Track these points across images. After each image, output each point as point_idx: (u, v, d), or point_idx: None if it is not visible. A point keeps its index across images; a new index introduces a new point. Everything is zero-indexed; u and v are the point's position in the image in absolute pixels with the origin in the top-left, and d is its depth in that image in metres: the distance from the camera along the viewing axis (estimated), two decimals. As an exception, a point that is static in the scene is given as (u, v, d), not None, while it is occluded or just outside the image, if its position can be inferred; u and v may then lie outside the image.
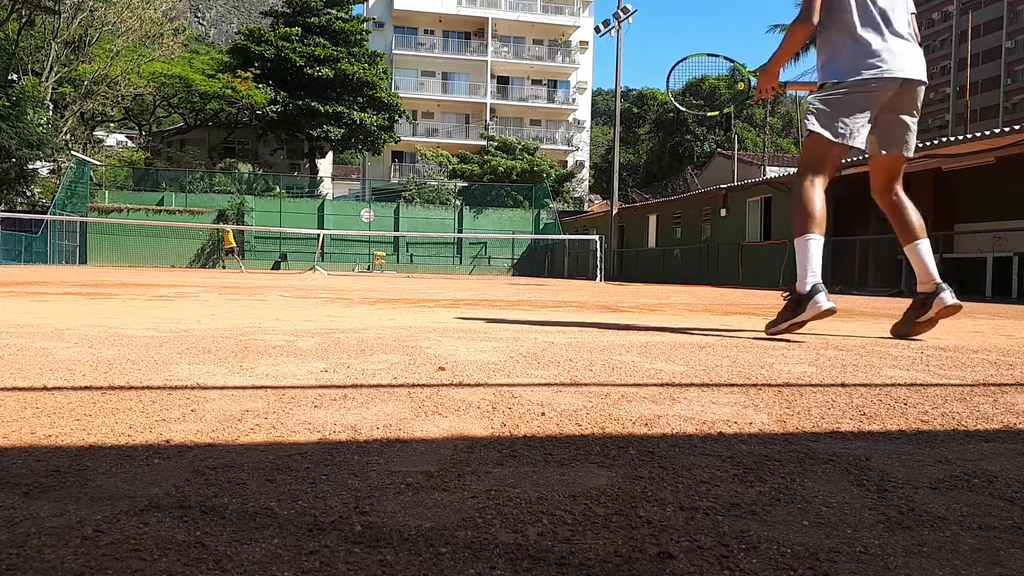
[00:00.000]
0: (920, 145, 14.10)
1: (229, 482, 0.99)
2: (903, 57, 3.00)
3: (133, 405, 1.48)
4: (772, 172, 24.68)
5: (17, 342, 2.44)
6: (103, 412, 1.41)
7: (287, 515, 0.86)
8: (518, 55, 49.41)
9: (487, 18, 48.18)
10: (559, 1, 49.68)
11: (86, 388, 1.65)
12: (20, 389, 1.62)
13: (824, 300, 2.97)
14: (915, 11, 3.21)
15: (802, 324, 3.08)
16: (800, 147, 3.34)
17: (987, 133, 11.98)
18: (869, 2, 3.04)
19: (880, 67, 2.97)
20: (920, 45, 3.19)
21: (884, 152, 3.15)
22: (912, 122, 3.12)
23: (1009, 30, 65.30)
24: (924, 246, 3.19)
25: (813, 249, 3.03)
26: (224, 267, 27.71)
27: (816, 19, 3.06)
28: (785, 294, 3.12)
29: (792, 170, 20.11)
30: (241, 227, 28.33)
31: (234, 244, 27.07)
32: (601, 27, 27.09)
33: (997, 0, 65.37)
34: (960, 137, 12.52)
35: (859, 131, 3.03)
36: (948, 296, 3.06)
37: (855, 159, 15.73)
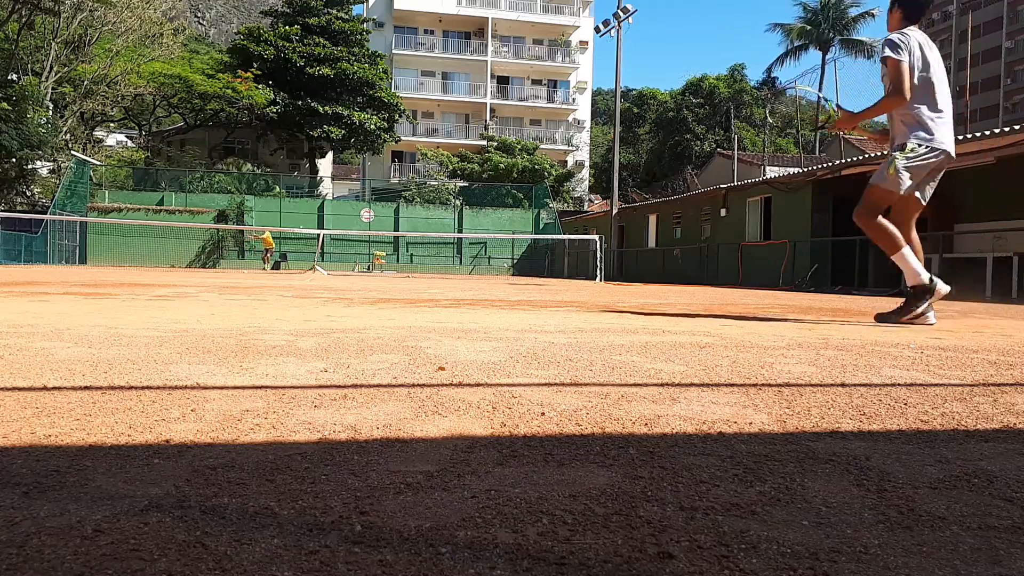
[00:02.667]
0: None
1: (229, 482, 0.99)
2: (951, 137, 3.95)
3: (133, 405, 1.48)
4: (772, 172, 24.70)
5: (17, 342, 2.44)
6: (103, 412, 1.41)
7: (287, 515, 0.86)
8: (518, 55, 49.41)
9: (487, 18, 48.16)
10: (559, 1, 49.67)
11: (86, 388, 1.65)
12: (20, 389, 1.62)
13: (943, 285, 3.84)
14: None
15: (929, 307, 3.92)
16: (869, 191, 4.09)
17: (987, 133, 11.97)
18: (936, 90, 3.91)
19: (943, 144, 3.92)
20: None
21: (920, 195, 4.07)
22: (935, 184, 4.11)
23: (1009, 30, 65.28)
24: (907, 252, 3.99)
25: (909, 256, 3.93)
26: (267, 268, 27.75)
27: (908, 96, 3.86)
28: (907, 289, 4.00)
29: (793, 170, 20.12)
30: (241, 227, 28.33)
31: (273, 245, 27.48)
32: (601, 27, 27.09)
33: (997, 0, 65.36)
34: (960, 137, 12.52)
35: (927, 190, 4.06)
36: (940, 284, 3.87)
37: (852, 159, 15.72)
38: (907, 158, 3.91)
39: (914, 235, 4.06)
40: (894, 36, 3.93)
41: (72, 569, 0.70)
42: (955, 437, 1.37)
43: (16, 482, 0.97)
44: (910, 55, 3.86)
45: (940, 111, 3.92)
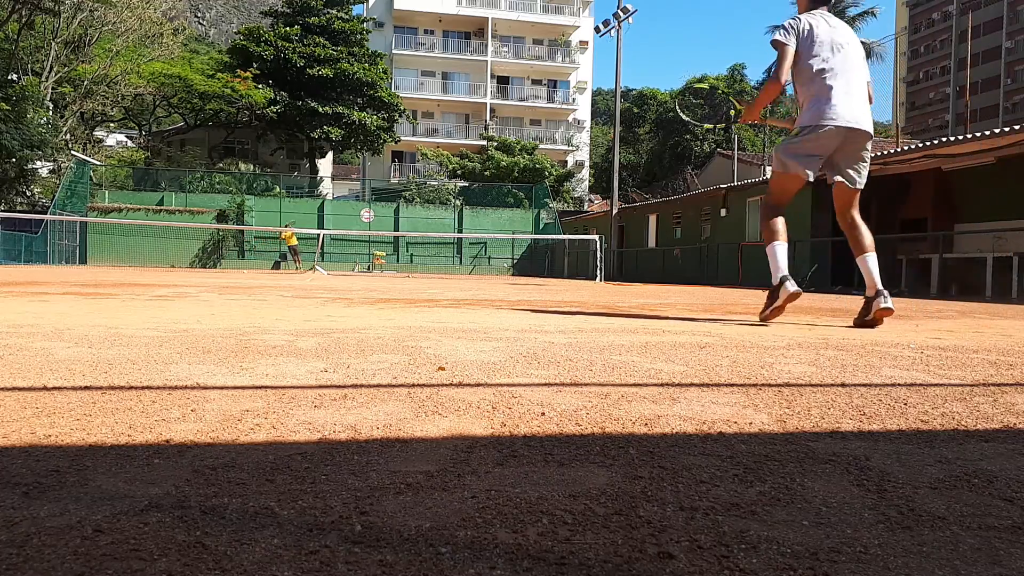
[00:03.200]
0: (920, 145, 14.10)
1: (229, 482, 0.99)
2: (849, 111, 3.76)
3: (133, 405, 1.48)
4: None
5: (17, 342, 2.44)
6: (103, 412, 1.41)
7: (287, 515, 0.87)
8: (518, 55, 49.40)
9: (487, 18, 48.17)
10: (559, 1, 49.67)
11: (86, 388, 1.65)
12: (20, 389, 1.62)
13: (791, 285, 3.84)
14: (871, 79, 3.98)
15: (781, 308, 3.93)
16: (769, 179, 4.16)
17: (987, 133, 11.97)
18: (829, 63, 3.81)
19: (831, 119, 3.74)
20: (871, 103, 3.96)
21: (837, 184, 3.93)
22: (861, 164, 3.89)
23: (1009, 30, 65.26)
24: (871, 259, 3.99)
25: (779, 252, 3.95)
26: (297, 267, 27.66)
27: (784, 79, 3.86)
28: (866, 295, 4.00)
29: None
30: (241, 227, 28.33)
31: (296, 243, 27.40)
32: (601, 27, 27.08)
33: (997, 0, 65.35)
34: (960, 137, 12.51)
35: (811, 168, 3.88)
36: (883, 300, 3.80)
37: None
38: (785, 142, 3.97)
39: (850, 219, 4.01)
40: (786, 21, 3.93)
41: (72, 569, 0.70)
42: (955, 437, 1.37)
43: (16, 482, 0.97)
44: (798, 39, 3.84)
45: (833, 89, 3.76)
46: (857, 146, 3.83)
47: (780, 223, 4.01)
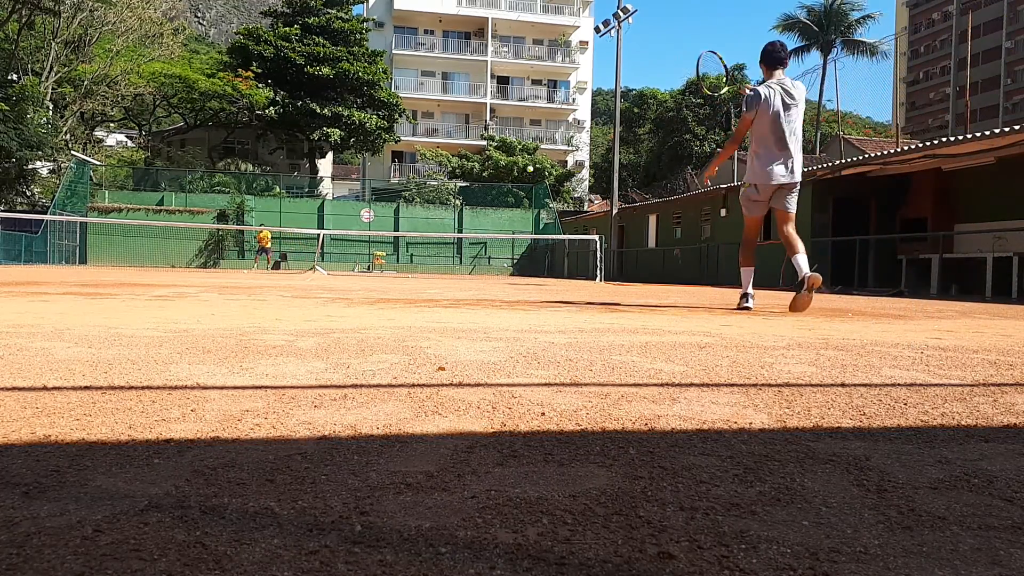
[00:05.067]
0: (920, 145, 14.10)
1: (229, 482, 0.99)
2: (785, 169, 5.15)
3: (133, 405, 1.48)
4: (772, 172, 24.66)
5: (17, 342, 2.44)
6: (103, 412, 1.41)
7: (287, 515, 0.87)
8: (518, 55, 49.40)
9: (487, 18, 48.16)
10: (559, 1, 49.67)
11: (86, 388, 1.65)
12: (20, 389, 1.62)
13: (750, 302, 5.39)
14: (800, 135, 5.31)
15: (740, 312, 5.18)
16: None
17: (987, 133, 11.96)
18: (770, 131, 5.10)
19: (771, 179, 5.16)
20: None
21: (775, 208, 5.33)
22: (790, 197, 5.25)
23: (1009, 30, 65.22)
24: (800, 257, 5.07)
25: (749, 276, 5.46)
26: (267, 267, 27.71)
27: (737, 145, 5.51)
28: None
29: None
30: (241, 227, 28.33)
31: (268, 243, 27.42)
32: (601, 27, 27.07)
33: (997, 0, 65.32)
34: (960, 137, 12.51)
35: (760, 212, 5.38)
36: (810, 272, 4.91)
37: (852, 159, 15.70)
38: (743, 193, 5.41)
39: (786, 232, 5.22)
40: (750, 91, 5.12)
41: (72, 569, 0.70)
42: (955, 437, 1.37)
43: (16, 482, 0.97)
44: (757, 109, 5.07)
45: (774, 153, 5.12)
46: (789, 189, 5.20)
47: (751, 252, 5.49)
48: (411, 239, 32.04)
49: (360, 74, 35.64)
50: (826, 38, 46.45)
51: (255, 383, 1.77)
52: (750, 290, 5.41)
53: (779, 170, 5.14)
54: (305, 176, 38.61)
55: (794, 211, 5.28)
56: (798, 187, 5.26)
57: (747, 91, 5.16)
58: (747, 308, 5.27)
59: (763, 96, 5.06)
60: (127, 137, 44.71)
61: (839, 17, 46.80)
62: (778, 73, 5.20)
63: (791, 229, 5.24)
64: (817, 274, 4.90)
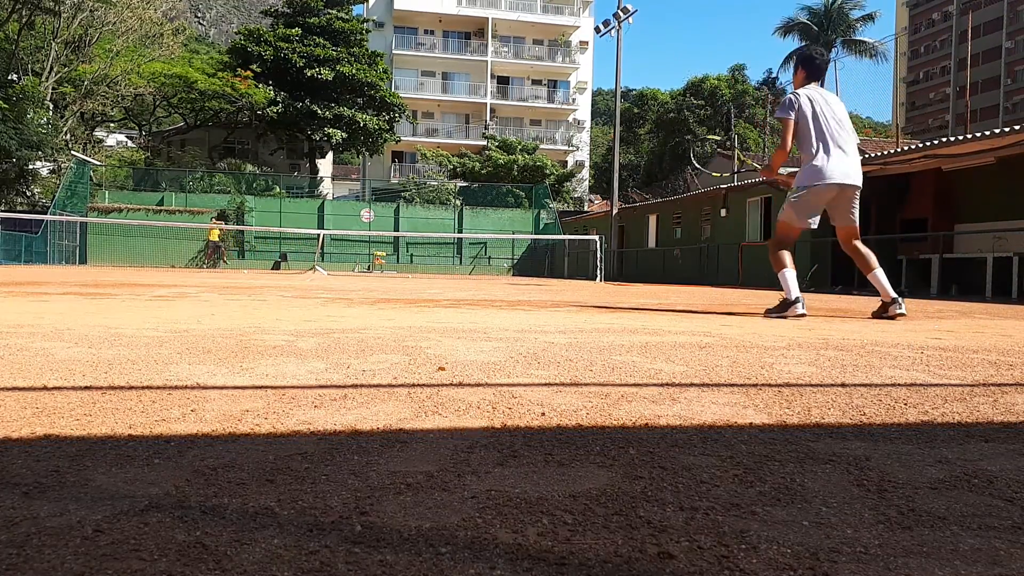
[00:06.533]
0: (920, 145, 14.10)
1: (229, 482, 0.99)
2: (840, 170, 4.58)
3: (133, 405, 1.48)
4: (772, 172, 24.67)
5: (17, 342, 2.44)
6: (103, 412, 1.41)
7: (287, 515, 0.87)
8: (518, 55, 49.39)
9: (487, 18, 48.15)
10: (559, 1, 49.66)
11: (86, 388, 1.65)
12: (20, 389, 1.62)
13: (802, 308, 4.64)
14: (859, 140, 4.86)
15: (783, 319, 4.57)
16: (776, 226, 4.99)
17: (987, 133, 11.96)
18: (824, 131, 4.60)
19: (824, 179, 4.59)
20: (861, 152, 4.88)
21: (838, 225, 4.84)
22: (852, 207, 4.73)
23: (1009, 30, 65.21)
24: (880, 273, 4.77)
25: (790, 277, 4.74)
26: (214, 266, 27.80)
27: (789, 147, 4.71)
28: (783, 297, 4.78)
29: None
30: (241, 227, 28.33)
31: (218, 240, 27.36)
32: (601, 27, 27.07)
33: (997, 0, 65.31)
34: (960, 137, 12.51)
35: (813, 218, 4.77)
36: (898, 307, 4.67)
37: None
38: (791, 198, 4.78)
39: (854, 246, 4.85)
40: (788, 96, 4.73)
41: (72, 569, 0.70)
42: (955, 437, 1.37)
43: (16, 482, 0.97)
44: (798, 112, 4.63)
45: (828, 152, 4.60)
46: (849, 198, 4.69)
47: (787, 256, 4.82)
48: (411, 239, 32.04)
49: (360, 75, 35.63)
50: (826, 38, 46.45)
51: (255, 383, 1.77)
52: (798, 292, 4.79)
53: (842, 168, 4.66)
54: (305, 176, 38.61)
55: (857, 221, 4.87)
56: (858, 197, 4.81)
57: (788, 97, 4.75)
58: (802, 315, 4.65)
59: (802, 97, 4.66)
60: (127, 137, 44.70)
61: (840, 17, 46.81)
62: (814, 85, 4.83)
63: (860, 242, 4.89)
64: (905, 311, 4.66)
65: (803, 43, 48.02)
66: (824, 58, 4.88)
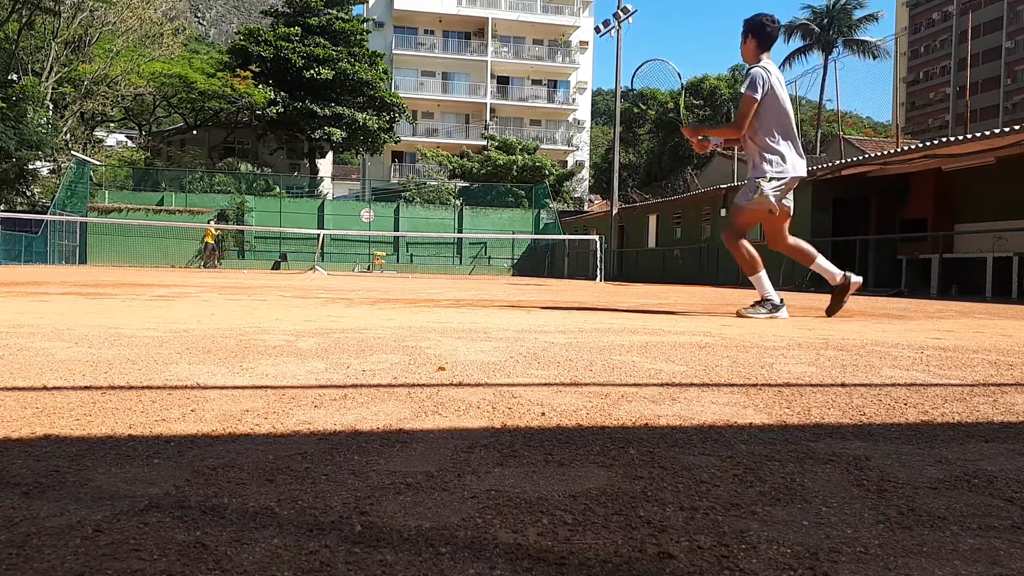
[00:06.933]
0: (920, 145, 14.11)
1: (229, 482, 0.99)
2: (801, 161, 4.56)
3: (133, 405, 1.48)
4: (772, 172, 24.68)
5: (17, 342, 2.44)
6: (103, 412, 1.41)
7: (287, 515, 0.87)
8: (518, 55, 49.40)
9: (487, 18, 48.17)
10: (559, 1, 49.67)
11: (86, 388, 1.65)
12: (20, 389, 1.62)
13: (785, 313, 4.55)
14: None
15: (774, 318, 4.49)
16: (739, 212, 4.71)
17: (987, 133, 11.96)
18: (787, 115, 4.48)
19: (799, 171, 4.52)
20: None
21: (781, 218, 4.66)
22: (791, 195, 4.67)
23: (1009, 30, 65.22)
24: (823, 260, 4.67)
25: (765, 280, 4.60)
26: (215, 264, 27.83)
27: (745, 128, 4.50)
28: (758, 300, 4.65)
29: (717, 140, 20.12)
30: (241, 227, 28.33)
31: (213, 242, 27.43)
32: (601, 27, 27.07)
33: (997, 0, 65.32)
34: (960, 137, 12.51)
35: (784, 204, 4.63)
36: (853, 276, 4.57)
37: (852, 159, 15.71)
38: (772, 184, 4.50)
39: (791, 240, 4.72)
40: (758, 73, 4.43)
41: (72, 569, 0.70)
42: (955, 437, 1.37)
43: (16, 482, 0.97)
44: (768, 93, 4.41)
45: (790, 139, 4.50)
46: (797, 185, 4.66)
47: (755, 252, 4.67)
48: (411, 239, 32.04)
49: (360, 75, 35.63)
50: (827, 38, 46.46)
51: (255, 383, 1.77)
52: (776, 295, 4.68)
53: (801, 160, 4.58)
54: (305, 176, 38.61)
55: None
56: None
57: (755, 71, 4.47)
58: (785, 319, 4.49)
59: (771, 78, 4.43)
60: (127, 137, 44.70)
61: (842, 16, 46.80)
62: (768, 57, 4.57)
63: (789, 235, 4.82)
64: (860, 279, 4.62)
65: (805, 43, 48.01)
66: (776, 25, 4.56)
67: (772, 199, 4.48)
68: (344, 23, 36.70)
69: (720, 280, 19.00)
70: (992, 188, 13.22)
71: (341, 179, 51.11)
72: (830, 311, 4.72)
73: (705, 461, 1.16)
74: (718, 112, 48.06)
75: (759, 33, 4.51)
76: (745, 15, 4.68)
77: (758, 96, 4.39)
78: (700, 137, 4.78)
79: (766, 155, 4.49)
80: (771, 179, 4.49)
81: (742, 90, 4.51)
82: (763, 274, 4.61)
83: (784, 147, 4.49)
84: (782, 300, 4.62)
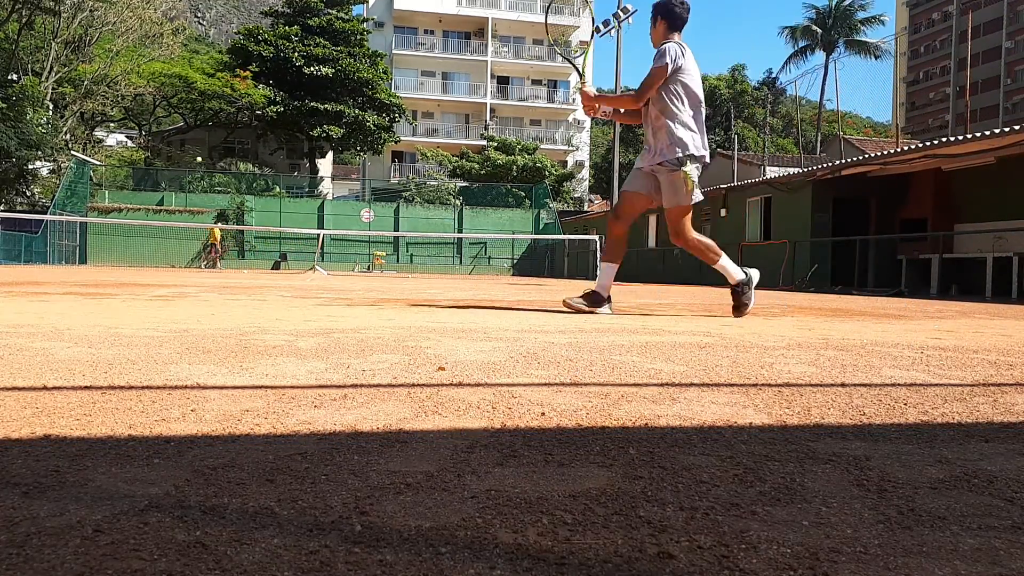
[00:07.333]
0: (920, 145, 14.11)
1: (229, 482, 0.99)
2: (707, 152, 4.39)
3: (133, 405, 1.48)
4: (772, 172, 24.69)
5: (17, 342, 2.44)
6: (103, 412, 1.41)
7: (287, 515, 0.86)
8: (518, 55, 49.40)
9: (487, 18, 48.18)
10: (559, 1, 49.67)
11: (86, 388, 1.65)
12: (20, 389, 1.62)
13: (608, 310, 4.49)
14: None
15: (592, 313, 4.38)
16: (674, 213, 4.46)
17: (987, 133, 11.96)
18: (699, 97, 4.36)
19: (707, 156, 4.38)
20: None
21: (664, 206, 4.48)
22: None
23: (1009, 30, 65.20)
24: (726, 259, 4.61)
25: (612, 274, 4.51)
26: (213, 266, 27.84)
27: (645, 100, 4.33)
28: (588, 291, 4.52)
29: (793, 170, 20.12)
30: (241, 227, 28.33)
31: (217, 243, 27.47)
32: (601, 27, 27.02)
33: (997, 0, 65.29)
34: (960, 137, 12.51)
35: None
36: (754, 280, 4.63)
37: (853, 159, 15.71)
38: (694, 167, 4.35)
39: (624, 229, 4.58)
40: (670, 46, 4.28)
41: (72, 569, 0.70)
42: (955, 437, 1.37)
43: (16, 482, 0.97)
44: (676, 66, 4.25)
45: (701, 126, 4.38)
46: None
47: (709, 240, 4.58)
48: (411, 239, 32.04)
49: (360, 75, 35.62)
50: (829, 38, 46.46)
51: (255, 383, 1.77)
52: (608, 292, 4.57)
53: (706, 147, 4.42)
54: (305, 176, 38.61)
55: None
56: None
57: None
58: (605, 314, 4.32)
59: (684, 56, 4.28)
60: (127, 137, 44.70)
61: (844, 17, 46.80)
62: (677, 36, 4.42)
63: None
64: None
65: (805, 43, 48.00)
66: (685, 5, 4.44)
67: (696, 179, 4.35)
68: (344, 23, 36.71)
69: (720, 280, 18.98)
70: (992, 188, 13.22)
71: (341, 179, 51.12)
72: (736, 311, 4.64)
73: (705, 461, 1.16)
74: (717, 112, 48.02)
75: (668, 15, 4.40)
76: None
77: (668, 66, 4.23)
78: (599, 107, 4.59)
79: (683, 132, 4.31)
80: (691, 156, 4.31)
81: (656, 61, 4.30)
82: (725, 257, 4.58)
83: (698, 130, 4.35)
84: (609, 298, 4.64)
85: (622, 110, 4.67)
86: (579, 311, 4.56)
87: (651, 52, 4.41)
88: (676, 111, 4.29)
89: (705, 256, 4.53)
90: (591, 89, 4.56)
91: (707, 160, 4.40)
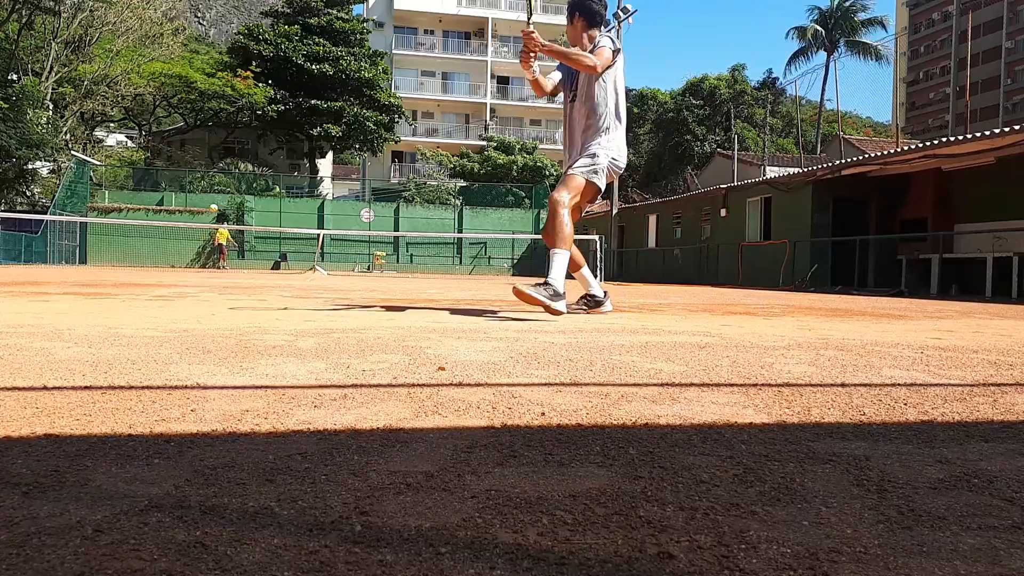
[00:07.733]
0: (920, 145, 14.11)
1: (229, 482, 0.99)
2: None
3: (133, 405, 1.48)
4: (772, 172, 24.68)
5: (17, 342, 2.44)
6: (103, 412, 1.41)
7: (287, 515, 0.86)
8: (518, 55, 49.39)
9: (487, 18, 48.18)
10: (559, 1, 49.66)
11: (86, 388, 1.65)
12: (20, 389, 1.62)
13: (563, 306, 4.10)
14: None
15: (547, 309, 4.08)
16: (571, 180, 4.27)
17: (987, 133, 11.97)
18: (622, 99, 4.32)
19: (623, 162, 4.37)
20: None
21: (584, 206, 4.46)
22: None
23: (1009, 30, 65.21)
24: (587, 270, 4.67)
25: (566, 262, 4.13)
26: (222, 266, 27.85)
27: (599, 71, 4.10)
28: (539, 283, 4.11)
29: (793, 170, 20.12)
30: (241, 227, 28.33)
31: (223, 243, 27.48)
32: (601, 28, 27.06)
33: (997, 0, 65.30)
34: (960, 137, 12.51)
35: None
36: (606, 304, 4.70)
37: (853, 159, 15.70)
38: (612, 162, 4.27)
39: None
40: (610, 38, 4.21)
41: (72, 569, 0.70)
42: (955, 437, 1.37)
43: (16, 482, 0.97)
44: (615, 66, 4.20)
45: (621, 130, 4.33)
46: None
47: (571, 229, 4.24)
48: (411, 239, 32.03)
49: (360, 75, 35.61)
50: (831, 38, 46.49)
51: (255, 383, 1.77)
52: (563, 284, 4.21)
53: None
54: (305, 176, 38.60)
55: None
56: None
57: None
58: (560, 312, 4.11)
59: (619, 51, 4.19)
60: (127, 137, 44.69)
61: (846, 18, 46.82)
62: (598, 32, 4.31)
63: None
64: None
65: (806, 43, 48.01)
66: (602, 3, 4.32)
67: (604, 177, 4.26)
68: (344, 23, 36.70)
69: (720, 280, 19.00)
70: (992, 188, 13.22)
71: (341, 179, 51.11)
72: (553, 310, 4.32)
73: (705, 461, 1.16)
74: (717, 112, 48.03)
75: (585, 12, 4.30)
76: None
77: (616, 52, 4.15)
78: (534, 63, 4.22)
79: (614, 130, 4.26)
80: (612, 157, 4.25)
81: (610, 45, 4.19)
82: (567, 255, 4.20)
83: (621, 130, 4.30)
84: (606, 294, 4.70)
85: (556, 75, 4.41)
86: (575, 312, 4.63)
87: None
88: (620, 109, 4.29)
89: (558, 233, 4.13)
90: (543, 43, 4.13)
91: (623, 164, 4.38)
